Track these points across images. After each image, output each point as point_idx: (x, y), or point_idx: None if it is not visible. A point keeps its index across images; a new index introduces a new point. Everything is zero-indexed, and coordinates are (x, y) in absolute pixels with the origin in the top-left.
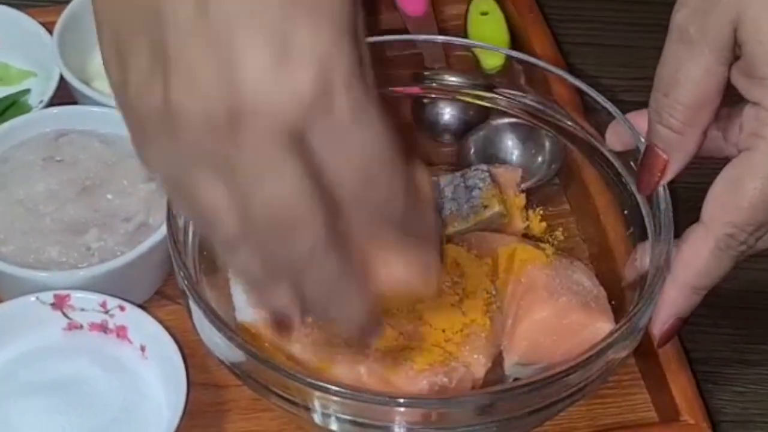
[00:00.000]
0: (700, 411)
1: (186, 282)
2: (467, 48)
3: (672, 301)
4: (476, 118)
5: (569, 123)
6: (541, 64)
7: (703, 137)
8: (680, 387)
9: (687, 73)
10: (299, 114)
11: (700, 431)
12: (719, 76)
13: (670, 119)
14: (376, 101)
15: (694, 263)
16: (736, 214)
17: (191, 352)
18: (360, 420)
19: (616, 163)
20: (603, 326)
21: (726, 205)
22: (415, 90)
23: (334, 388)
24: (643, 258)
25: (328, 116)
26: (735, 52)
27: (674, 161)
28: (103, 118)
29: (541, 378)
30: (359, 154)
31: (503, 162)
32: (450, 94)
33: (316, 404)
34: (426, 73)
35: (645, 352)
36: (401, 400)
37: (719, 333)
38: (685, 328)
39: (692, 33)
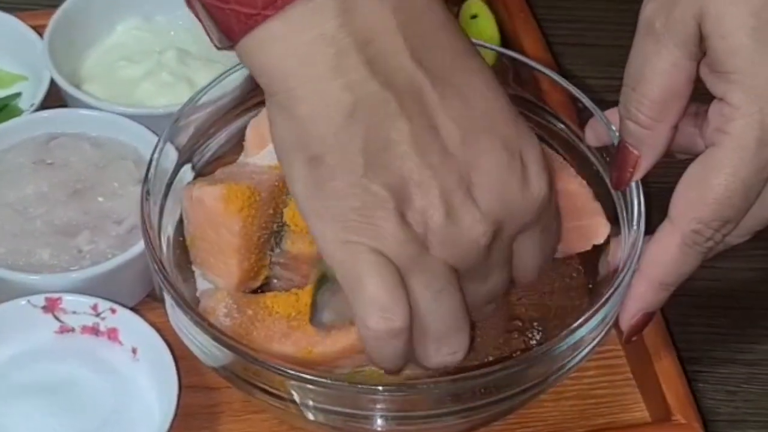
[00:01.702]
0: (692, 411)
1: (161, 275)
2: None
3: (640, 296)
4: None
5: (557, 122)
6: (530, 62)
7: (673, 132)
8: (672, 387)
9: (653, 67)
10: (533, 215)
11: (693, 431)
12: (686, 70)
13: (638, 114)
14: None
15: (661, 259)
16: (701, 210)
17: (182, 354)
18: (342, 410)
19: (596, 162)
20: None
21: (692, 201)
22: None
23: (312, 377)
24: (616, 253)
25: (542, 220)
26: (702, 47)
27: (645, 157)
28: (93, 121)
29: (505, 365)
30: (549, 249)
31: None
32: None
33: (296, 395)
34: None
35: (637, 352)
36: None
37: (711, 332)
38: (677, 329)
39: (658, 27)
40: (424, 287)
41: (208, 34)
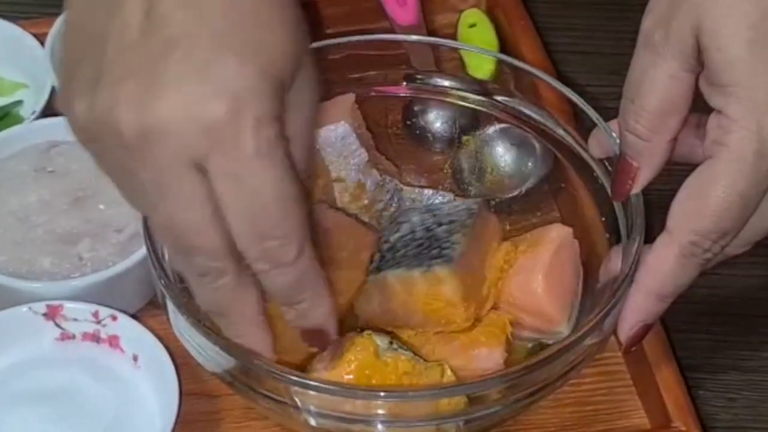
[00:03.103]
0: (692, 417)
1: (163, 281)
2: (458, 54)
3: (638, 308)
4: (467, 125)
5: (558, 130)
6: (531, 69)
7: (672, 145)
8: (672, 393)
9: (652, 79)
10: (204, 141)
11: None
12: (684, 82)
13: (636, 125)
14: (288, 152)
15: (659, 270)
16: (699, 221)
17: (183, 361)
18: (344, 415)
19: (597, 170)
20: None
21: (689, 213)
22: (405, 92)
23: (318, 384)
24: (615, 262)
25: (231, 149)
26: (700, 60)
27: (644, 169)
28: None
29: (504, 373)
30: (252, 191)
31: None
32: (441, 97)
33: (298, 400)
34: (418, 76)
35: (637, 358)
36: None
37: (711, 340)
38: (677, 336)
39: (656, 39)
40: None
41: None
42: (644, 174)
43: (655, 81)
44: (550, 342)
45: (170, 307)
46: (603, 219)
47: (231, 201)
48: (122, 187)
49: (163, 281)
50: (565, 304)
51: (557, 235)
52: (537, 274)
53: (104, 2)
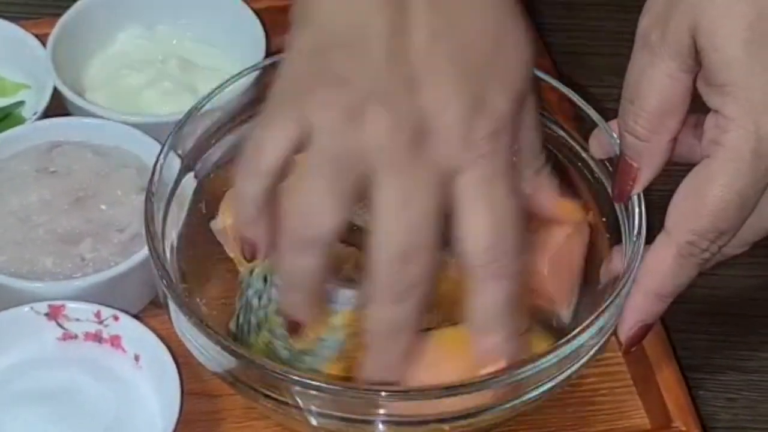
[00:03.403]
0: (692, 418)
1: (164, 282)
2: None
3: (637, 308)
4: None
5: (559, 130)
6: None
7: (672, 145)
8: (672, 394)
9: (650, 80)
10: (469, 156)
11: None
12: (682, 83)
13: (635, 126)
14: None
15: (657, 270)
16: (696, 221)
17: (185, 361)
18: (345, 415)
19: (598, 170)
20: None
21: (687, 213)
22: None
23: (320, 384)
24: (616, 262)
25: (488, 167)
26: (697, 60)
27: (645, 170)
28: (96, 129)
29: (505, 372)
30: (501, 204)
31: None
32: None
33: (300, 400)
34: None
35: (637, 359)
36: (377, 392)
37: (712, 340)
38: (678, 336)
39: (653, 40)
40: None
41: None
42: (644, 174)
43: (653, 81)
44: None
45: (172, 307)
46: (604, 219)
47: (478, 212)
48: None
49: (164, 281)
50: (570, 288)
51: (573, 218)
52: (545, 256)
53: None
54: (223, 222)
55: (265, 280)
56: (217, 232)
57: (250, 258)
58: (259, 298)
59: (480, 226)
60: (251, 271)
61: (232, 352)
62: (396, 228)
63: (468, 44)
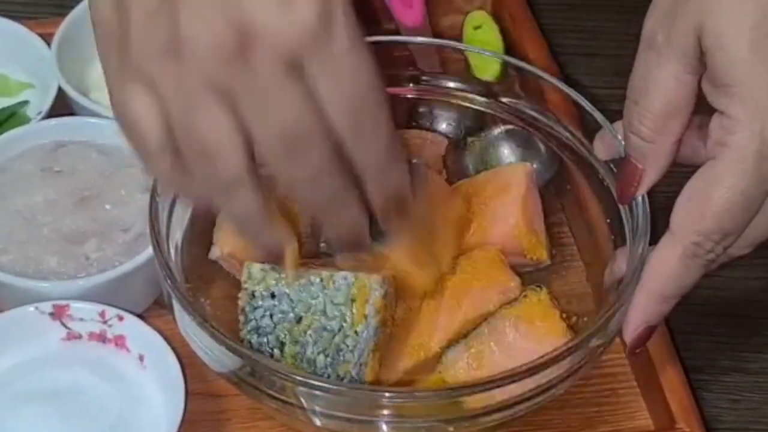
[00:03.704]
0: (696, 419)
1: (169, 282)
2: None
3: (642, 309)
4: (472, 127)
5: (563, 131)
6: (536, 71)
7: (676, 146)
8: (676, 395)
9: (655, 81)
10: (302, 41)
11: None
12: (687, 84)
13: (641, 127)
14: (363, 35)
15: (662, 271)
16: (701, 222)
17: (189, 361)
18: (350, 415)
19: (602, 172)
20: None
21: (692, 214)
22: (411, 93)
23: (324, 384)
24: (621, 264)
25: (327, 45)
26: (703, 61)
27: (649, 171)
28: (100, 129)
29: (509, 374)
30: (354, 80)
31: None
32: (446, 99)
33: (304, 400)
34: (423, 77)
35: (641, 360)
36: (380, 393)
37: (715, 341)
38: (682, 337)
39: (659, 41)
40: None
41: None
42: (649, 176)
43: (658, 83)
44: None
45: (176, 307)
46: (608, 221)
47: (332, 96)
48: (201, 115)
49: (169, 281)
50: (540, 233)
51: (523, 175)
52: (516, 219)
53: None
54: (220, 250)
55: (273, 295)
56: (218, 259)
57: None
58: (271, 316)
59: (339, 113)
60: (252, 294)
61: (237, 352)
62: (269, 131)
63: None
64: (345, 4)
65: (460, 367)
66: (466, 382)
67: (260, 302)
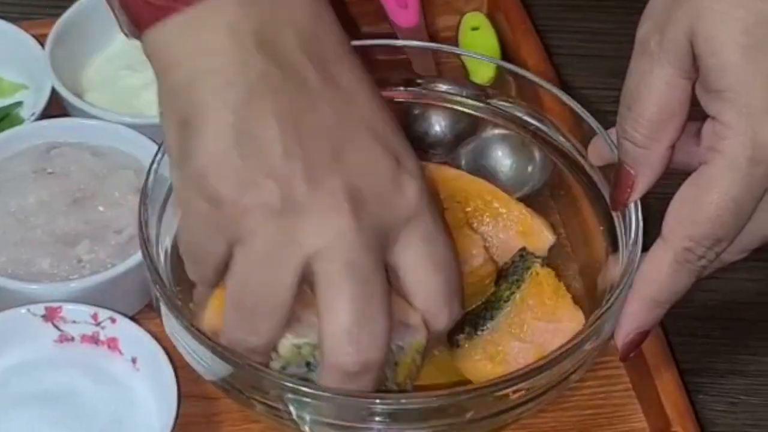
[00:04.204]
0: (692, 422)
1: (158, 285)
2: (458, 58)
3: (634, 315)
4: (466, 130)
5: (558, 136)
6: (531, 76)
7: (670, 152)
8: (672, 398)
9: (648, 86)
10: (407, 215)
11: None
12: (681, 89)
13: (634, 133)
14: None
15: (654, 277)
16: (693, 228)
17: (182, 363)
18: (339, 422)
19: (596, 177)
20: None
21: (683, 220)
22: (405, 96)
23: (313, 391)
24: (614, 269)
25: (422, 222)
26: (695, 65)
27: (642, 177)
28: (94, 130)
29: (502, 379)
30: (442, 256)
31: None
32: (441, 102)
33: (293, 407)
34: (418, 80)
35: (636, 363)
36: (370, 400)
37: (712, 344)
38: (677, 340)
39: (652, 46)
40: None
41: (118, 22)
42: (642, 182)
43: (652, 88)
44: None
45: (164, 311)
46: (601, 228)
47: (426, 261)
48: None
49: (158, 286)
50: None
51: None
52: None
53: None
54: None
55: (308, 365)
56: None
57: None
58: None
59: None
60: (284, 368)
61: (223, 357)
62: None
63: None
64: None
65: (478, 360)
66: (456, 389)
67: (295, 370)
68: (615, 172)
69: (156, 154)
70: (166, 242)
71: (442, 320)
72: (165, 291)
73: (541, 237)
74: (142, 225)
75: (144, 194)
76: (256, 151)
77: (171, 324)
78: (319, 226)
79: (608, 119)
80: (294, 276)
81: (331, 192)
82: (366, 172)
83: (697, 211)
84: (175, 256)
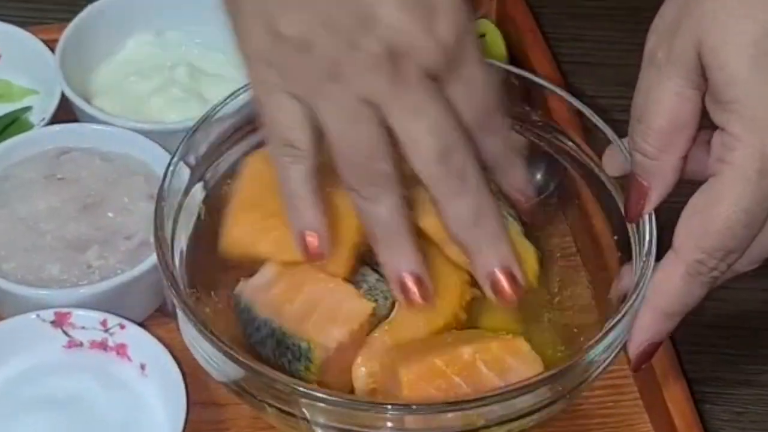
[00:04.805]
0: (699, 431)
1: (173, 290)
2: None
3: (645, 326)
4: None
5: (568, 142)
6: (540, 81)
7: (683, 163)
8: (679, 407)
9: (657, 98)
10: (444, 59)
11: None
12: (690, 100)
13: (645, 145)
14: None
15: (665, 289)
16: (704, 240)
17: (191, 370)
18: (353, 428)
19: (609, 186)
20: None
21: (694, 232)
22: None
23: (327, 397)
24: (627, 280)
25: (463, 62)
26: (705, 76)
27: (655, 188)
28: (104, 136)
29: (513, 388)
30: (485, 94)
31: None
32: None
33: (307, 412)
34: None
35: (644, 372)
36: (384, 406)
37: (719, 353)
38: (685, 349)
39: (660, 58)
40: (334, 114)
41: None
42: (655, 193)
43: (661, 100)
44: None
45: (180, 315)
46: (615, 238)
47: (467, 100)
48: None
49: (173, 290)
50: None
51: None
52: None
53: None
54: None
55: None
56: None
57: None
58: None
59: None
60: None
61: (239, 362)
62: (422, 134)
63: None
64: (474, 25)
65: None
66: (468, 395)
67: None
68: (628, 184)
69: (173, 155)
70: (181, 246)
71: None
72: (180, 294)
73: None
74: (158, 227)
75: (160, 196)
76: None
77: (186, 327)
78: None
79: (617, 128)
80: None
81: (367, 49)
82: (397, 21)
83: (708, 223)
84: (190, 260)
